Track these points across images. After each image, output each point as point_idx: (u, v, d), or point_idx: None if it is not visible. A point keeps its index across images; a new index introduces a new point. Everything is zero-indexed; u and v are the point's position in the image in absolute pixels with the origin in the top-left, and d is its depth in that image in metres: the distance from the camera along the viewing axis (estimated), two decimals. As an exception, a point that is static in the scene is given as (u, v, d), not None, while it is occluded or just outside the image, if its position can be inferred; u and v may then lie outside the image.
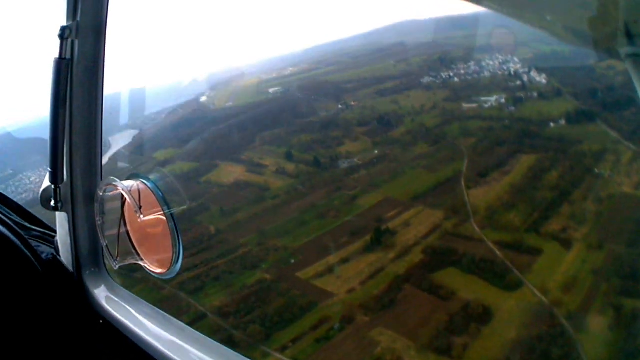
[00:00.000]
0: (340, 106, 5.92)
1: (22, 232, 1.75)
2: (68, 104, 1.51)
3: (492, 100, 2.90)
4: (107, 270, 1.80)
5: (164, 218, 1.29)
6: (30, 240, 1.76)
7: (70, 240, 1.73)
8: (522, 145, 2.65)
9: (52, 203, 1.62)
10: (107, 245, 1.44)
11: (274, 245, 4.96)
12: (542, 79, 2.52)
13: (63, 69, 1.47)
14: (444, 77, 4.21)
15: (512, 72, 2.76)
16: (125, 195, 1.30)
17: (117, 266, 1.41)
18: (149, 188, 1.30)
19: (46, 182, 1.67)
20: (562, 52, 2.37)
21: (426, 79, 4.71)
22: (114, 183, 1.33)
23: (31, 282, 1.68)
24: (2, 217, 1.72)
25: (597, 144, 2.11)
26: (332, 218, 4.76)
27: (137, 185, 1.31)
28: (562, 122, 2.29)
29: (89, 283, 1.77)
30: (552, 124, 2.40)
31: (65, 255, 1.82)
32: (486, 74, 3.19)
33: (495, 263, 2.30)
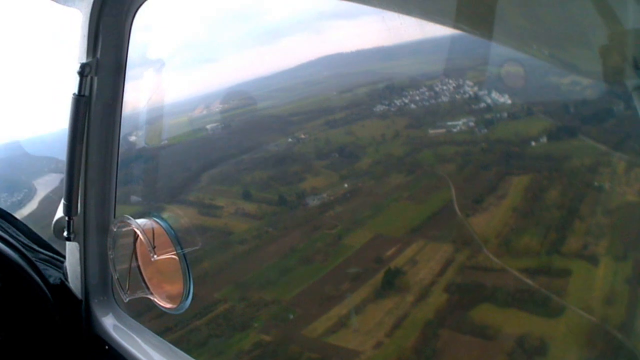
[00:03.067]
0: (290, 140, 5.90)
1: (30, 255, 1.81)
2: (85, 139, 1.59)
3: (459, 124, 3.07)
4: (115, 298, 1.90)
5: (176, 257, 1.39)
6: (37, 263, 1.83)
7: (81, 268, 1.81)
8: (510, 167, 2.82)
9: (65, 234, 1.73)
10: (118, 278, 1.54)
11: (261, 299, 4.77)
12: (505, 99, 2.71)
13: (82, 105, 1.55)
14: (398, 104, 4.38)
15: (472, 95, 2.95)
16: (140, 235, 1.38)
17: (128, 299, 1.51)
18: (162, 228, 1.39)
19: (59, 213, 1.76)
20: (515, 72, 2.58)
21: (379, 108, 4.84)
22: (127, 220, 1.41)
23: (39, 306, 1.77)
24: (11, 239, 1.81)
25: (587, 157, 2.29)
26: (321, 262, 4.74)
27: (151, 224, 1.40)
28: (544, 139, 2.47)
29: (97, 310, 1.84)
30: (533, 143, 2.59)
31: (74, 282, 1.90)
32: (443, 98, 3.38)
33: (529, 291, 2.43)
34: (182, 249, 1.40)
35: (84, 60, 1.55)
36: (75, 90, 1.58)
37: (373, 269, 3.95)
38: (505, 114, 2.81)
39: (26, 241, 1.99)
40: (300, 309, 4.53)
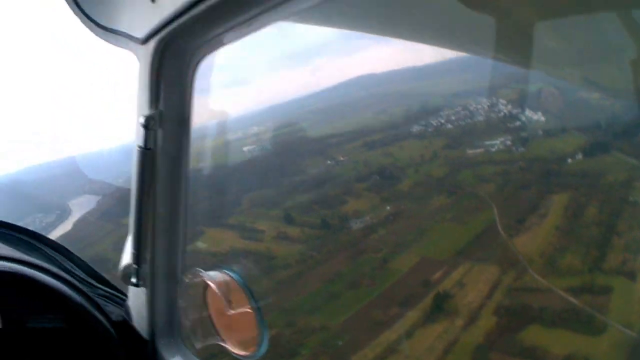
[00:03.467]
0: (329, 162, 5.99)
1: (89, 291, 1.86)
2: (152, 190, 1.64)
3: (497, 143, 3.17)
4: (182, 340, 1.92)
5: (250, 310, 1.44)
6: (97, 299, 1.89)
7: (147, 310, 1.87)
8: (549, 185, 2.88)
9: (134, 280, 1.80)
10: (190, 326, 1.63)
11: (308, 325, 4.75)
12: (539, 117, 2.80)
13: (148, 158, 1.60)
14: (435, 124, 4.48)
15: (507, 114, 3.05)
16: (215, 289, 1.46)
17: (200, 346, 1.60)
18: (235, 280, 1.46)
19: (126, 259, 1.83)
20: (548, 90, 2.66)
21: (415, 128, 4.93)
22: (200, 273, 1.51)
23: (104, 344, 1.80)
24: (68, 275, 1.84)
25: (621, 173, 2.35)
26: (368, 287, 4.68)
27: (223, 276, 1.49)
28: (579, 156, 2.54)
29: (164, 351, 1.88)
30: (569, 160, 2.66)
31: (138, 321, 1.95)
32: (479, 118, 3.48)
33: (574, 310, 2.48)
34: (255, 300, 1.46)
35: (147, 112, 1.59)
36: (141, 143, 1.61)
37: (421, 293, 3.97)
38: (540, 132, 2.89)
39: (83, 276, 2.04)
40: (348, 335, 4.53)
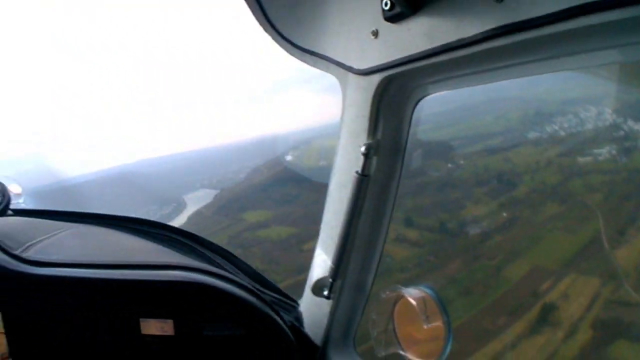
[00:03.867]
0: (450, 165, 6.07)
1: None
2: (360, 212, 1.79)
3: (603, 152, 3.17)
4: (355, 349, 2.06)
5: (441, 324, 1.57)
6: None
7: (328, 319, 1.99)
8: (648, 198, 2.84)
9: (326, 293, 1.92)
10: (376, 336, 1.78)
11: None
12: None
13: (364, 184, 1.73)
14: (549, 131, 4.48)
15: (612, 123, 3.05)
16: (414, 305, 1.61)
17: (383, 354, 1.83)
18: (430, 296, 1.61)
19: (318, 272, 1.99)
20: None
21: (532, 134, 4.92)
22: (400, 290, 1.77)
23: (282, 350, 1.88)
24: (241, 281, 1.90)
25: None
26: (480, 295, 4.73)
27: (420, 292, 1.63)
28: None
29: (336, 358, 2.01)
30: (672, 173, 2.62)
31: (310, 327, 2.07)
32: (588, 126, 3.48)
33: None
34: (448, 316, 1.56)
35: (365, 140, 1.69)
36: (359, 170, 1.73)
37: (529, 304, 4.00)
38: (640, 142, 2.85)
39: (249, 281, 2.05)
40: (457, 343, 4.64)
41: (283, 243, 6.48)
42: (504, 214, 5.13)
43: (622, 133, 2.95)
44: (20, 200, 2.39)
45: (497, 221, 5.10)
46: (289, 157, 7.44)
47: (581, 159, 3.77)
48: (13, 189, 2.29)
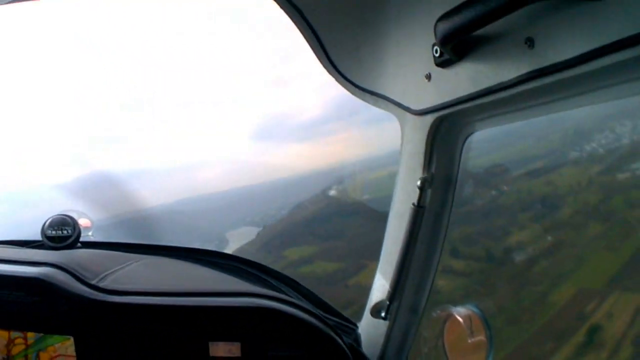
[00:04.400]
0: (494, 192, 6.02)
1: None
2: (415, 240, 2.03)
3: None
4: None
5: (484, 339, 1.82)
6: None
7: (383, 340, 2.24)
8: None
9: (383, 314, 2.17)
10: (427, 353, 2.09)
11: None
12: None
13: (419, 214, 1.95)
14: (588, 149, 4.56)
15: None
16: (461, 321, 1.86)
17: None
18: (475, 314, 1.86)
19: (377, 295, 2.24)
20: None
21: (572, 154, 4.99)
22: (450, 309, 1.93)
23: None
24: (305, 305, 2.05)
25: None
26: (527, 322, 4.76)
27: (467, 311, 1.89)
28: None
29: None
30: None
31: (367, 348, 2.31)
32: (625, 141, 3.58)
33: None
34: (490, 330, 1.79)
35: (421, 174, 1.88)
36: (415, 201, 1.92)
37: (575, 328, 4.04)
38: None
39: (315, 308, 2.15)
40: None
41: (328, 278, 6.55)
42: (549, 238, 5.15)
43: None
44: (90, 234, 2.60)
45: (542, 246, 5.13)
46: (332, 192, 7.61)
47: (620, 176, 3.85)
48: (83, 222, 2.48)
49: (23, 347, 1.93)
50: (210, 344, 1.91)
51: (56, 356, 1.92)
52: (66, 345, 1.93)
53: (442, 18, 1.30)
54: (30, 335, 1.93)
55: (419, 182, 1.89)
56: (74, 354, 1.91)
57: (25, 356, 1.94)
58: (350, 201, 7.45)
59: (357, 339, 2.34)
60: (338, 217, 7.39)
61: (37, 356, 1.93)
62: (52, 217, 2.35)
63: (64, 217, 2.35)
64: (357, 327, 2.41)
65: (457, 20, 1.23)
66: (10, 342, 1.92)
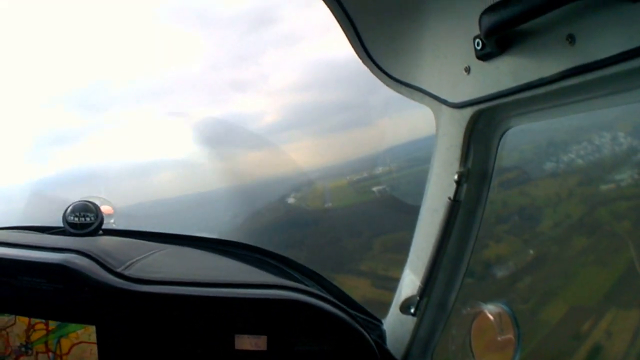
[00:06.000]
0: None
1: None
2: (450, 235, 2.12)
3: (625, 177, 3.40)
4: None
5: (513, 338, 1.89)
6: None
7: (410, 336, 2.33)
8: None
9: (412, 310, 2.26)
10: (454, 350, 2.14)
11: None
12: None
13: (455, 209, 2.04)
14: (565, 160, 4.71)
15: (629, 146, 3.29)
16: (492, 319, 1.96)
17: None
18: (506, 311, 1.95)
19: (407, 291, 2.32)
20: None
21: (548, 165, 5.14)
22: (479, 306, 2.03)
23: None
24: (331, 299, 2.15)
25: None
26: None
27: (496, 308, 1.98)
28: None
29: None
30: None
31: (392, 344, 2.41)
32: (605, 152, 3.72)
33: None
34: (519, 328, 1.89)
35: (457, 168, 1.97)
36: (451, 196, 2.01)
37: (572, 348, 4.08)
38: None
39: (339, 302, 2.21)
40: None
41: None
42: (530, 252, 5.24)
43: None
44: (112, 221, 2.69)
45: (523, 260, 5.22)
46: (291, 200, 7.65)
47: (604, 187, 3.99)
48: (105, 209, 2.56)
49: (44, 332, 1.96)
50: (236, 336, 1.97)
51: (78, 343, 1.95)
52: (89, 332, 1.97)
53: (488, 10, 1.38)
54: (52, 320, 1.97)
55: (455, 176, 1.97)
56: (96, 341, 1.96)
57: (46, 342, 1.97)
58: (311, 210, 7.58)
59: (381, 336, 2.43)
60: (297, 226, 7.43)
61: (58, 342, 1.96)
62: (74, 203, 2.44)
63: (87, 203, 2.44)
64: (381, 323, 2.52)
65: (503, 13, 1.31)
66: (30, 328, 1.96)
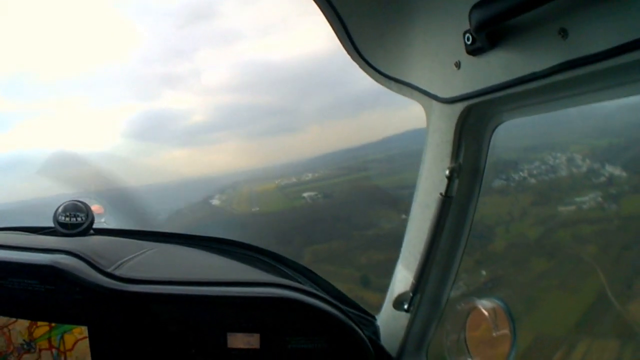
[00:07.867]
0: (404, 216, 6.38)
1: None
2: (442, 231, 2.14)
3: (587, 199, 3.53)
4: (427, 358, 2.44)
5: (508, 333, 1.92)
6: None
7: (404, 333, 2.39)
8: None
9: (406, 307, 2.30)
10: (448, 346, 2.13)
11: None
12: (621, 172, 3.16)
13: (446, 204, 2.08)
14: (517, 179, 4.86)
15: (588, 169, 3.43)
16: (486, 314, 1.96)
17: None
18: (500, 307, 1.96)
19: (399, 287, 2.36)
20: (618, 143, 3.02)
21: (497, 183, 5.29)
22: (474, 302, 2.01)
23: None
24: (324, 296, 2.23)
25: None
26: None
27: (491, 304, 1.98)
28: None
29: None
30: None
31: (385, 340, 2.48)
32: (561, 173, 3.87)
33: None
34: (514, 324, 1.90)
35: (448, 164, 2.03)
36: (442, 191, 2.06)
37: None
38: (626, 187, 3.23)
39: (332, 299, 2.29)
40: None
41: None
42: (483, 273, 5.34)
43: (602, 179, 3.32)
44: (102, 220, 2.83)
45: (477, 282, 5.30)
46: (215, 202, 7.93)
47: (562, 208, 4.13)
48: (95, 209, 2.69)
49: (47, 329, 2.04)
50: (228, 334, 2.09)
51: (82, 338, 2.04)
52: (91, 328, 2.10)
53: (478, 4, 1.43)
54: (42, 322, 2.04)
55: (447, 172, 2.03)
56: (89, 342, 2.04)
57: (49, 339, 2.05)
58: (237, 213, 7.86)
59: (375, 332, 2.53)
60: (222, 229, 7.63)
61: (62, 338, 2.04)
62: (64, 203, 2.53)
63: (77, 203, 2.55)
64: (375, 319, 2.60)
65: (494, 7, 1.37)
66: (33, 324, 2.03)
